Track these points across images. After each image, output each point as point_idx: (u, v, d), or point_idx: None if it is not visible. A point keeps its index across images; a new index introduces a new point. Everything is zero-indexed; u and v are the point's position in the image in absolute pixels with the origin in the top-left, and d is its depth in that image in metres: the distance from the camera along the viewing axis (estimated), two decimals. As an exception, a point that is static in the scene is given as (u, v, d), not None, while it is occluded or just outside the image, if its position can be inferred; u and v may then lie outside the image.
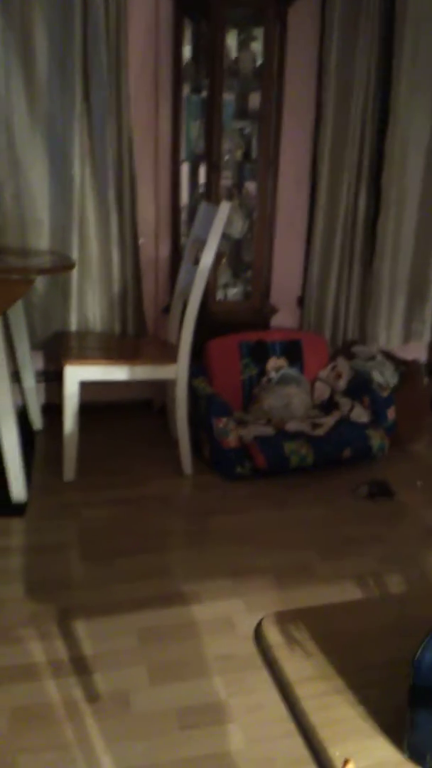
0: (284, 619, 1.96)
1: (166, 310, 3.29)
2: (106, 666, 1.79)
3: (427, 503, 2.73)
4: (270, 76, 3.00)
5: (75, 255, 3.04)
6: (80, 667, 1.78)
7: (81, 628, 1.92)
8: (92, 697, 1.69)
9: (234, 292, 3.34)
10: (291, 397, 3.11)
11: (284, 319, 3.55)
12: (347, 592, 2.13)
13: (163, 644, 1.87)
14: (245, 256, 3.41)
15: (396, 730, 1.58)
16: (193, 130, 3.17)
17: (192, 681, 1.75)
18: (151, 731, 1.59)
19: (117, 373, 2.64)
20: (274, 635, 1.89)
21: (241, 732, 1.60)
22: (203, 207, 2.82)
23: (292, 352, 3.28)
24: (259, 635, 1.91)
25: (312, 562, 2.29)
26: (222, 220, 2.55)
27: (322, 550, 2.36)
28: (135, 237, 3.11)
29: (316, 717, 1.63)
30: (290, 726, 1.63)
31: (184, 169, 3.24)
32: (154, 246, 3.29)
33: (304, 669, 1.78)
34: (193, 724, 1.62)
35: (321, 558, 2.32)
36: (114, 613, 1.98)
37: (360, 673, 1.77)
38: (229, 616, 2.00)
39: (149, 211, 3.23)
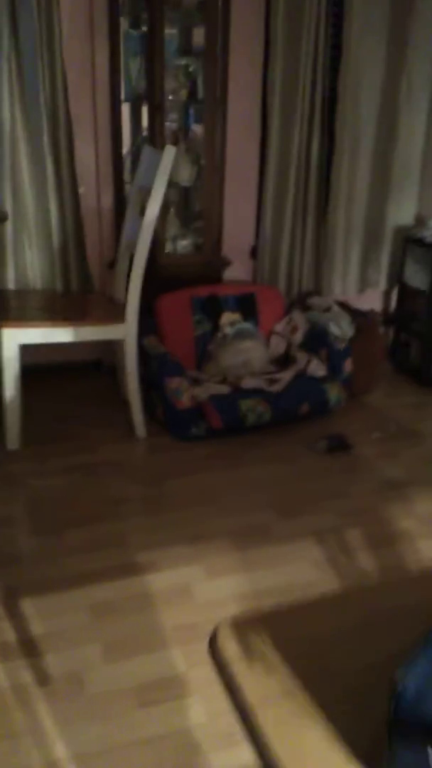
0: (243, 624, 1.74)
1: (112, 264, 3.11)
2: (58, 646, 1.69)
3: (384, 455, 2.69)
4: (214, 9, 2.78)
5: (8, 207, 2.83)
6: (29, 648, 1.68)
7: (29, 606, 1.82)
8: (43, 679, 1.60)
9: (184, 244, 3.17)
10: (248, 352, 3.00)
11: (237, 271, 3.41)
12: (307, 550, 2.08)
13: (118, 618, 1.79)
14: (195, 206, 3.23)
15: (371, 759, 1.38)
16: (133, 68, 2.94)
17: (149, 655, 1.67)
18: (107, 712, 1.52)
19: (60, 335, 2.48)
20: (231, 646, 1.67)
21: (203, 705, 1.54)
22: (147, 152, 2.63)
23: (247, 306, 3.16)
24: (214, 647, 1.68)
25: (271, 522, 2.23)
26: (167, 167, 2.37)
27: (281, 509, 2.30)
28: (74, 185, 2.91)
29: (280, 748, 1.41)
30: (252, 696, 1.57)
31: (125, 110, 3.02)
32: (95, 195, 3.08)
33: (266, 686, 1.56)
34: (151, 700, 1.55)
35: (280, 517, 2.26)
36: (65, 589, 1.88)
37: (329, 686, 1.57)
38: (188, 584, 1.92)
39: (89, 157, 3.01)
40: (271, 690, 1.56)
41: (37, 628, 1.74)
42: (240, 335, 3.08)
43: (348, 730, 1.45)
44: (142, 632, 1.74)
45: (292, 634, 1.73)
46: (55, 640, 1.71)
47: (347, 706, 1.51)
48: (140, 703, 1.54)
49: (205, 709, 1.53)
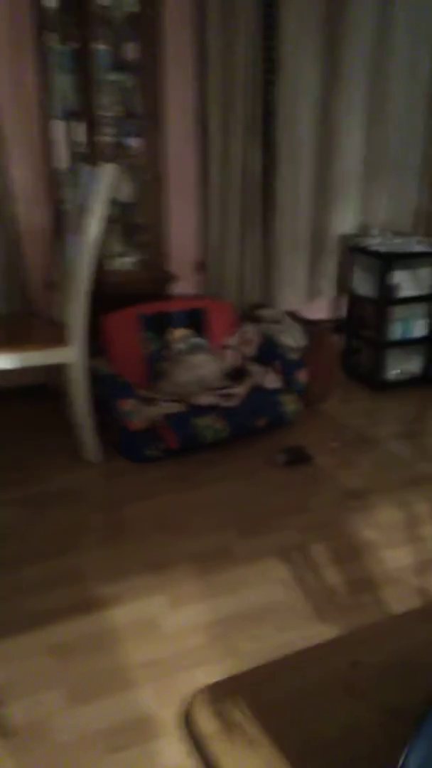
0: (218, 693, 1.61)
1: (51, 284, 3.01)
2: (18, 694, 1.60)
3: (343, 464, 2.68)
4: (146, 24, 2.74)
5: None
6: (-12, 700, 1.58)
7: (-14, 654, 1.72)
8: (5, 732, 1.50)
9: (128, 261, 3.11)
10: (202, 367, 2.95)
11: (185, 286, 3.36)
12: (271, 569, 2.03)
13: (81, 659, 1.70)
14: (138, 221, 3.17)
15: None
16: (64, 84, 2.86)
17: (116, 696, 1.59)
18: (75, 762, 1.43)
19: (2, 361, 2.37)
20: (206, 720, 1.54)
21: (176, 746, 1.47)
22: (84, 171, 2.55)
23: (197, 320, 3.11)
24: (189, 722, 1.55)
25: (233, 543, 2.17)
26: (107, 186, 2.31)
27: (243, 528, 2.25)
28: (10, 204, 2.81)
29: None
30: (227, 731, 1.51)
31: (60, 127, 2.94)
32: (32, 214, 2.98)
33: (247, 763, 1.44)
34: (121, 745, 1.47)
35: (242, 537, 2.21)
36: (22, 632, 1.78)
37: (313, 758, 1.45)
38: (153, 616, 1.85)
39: (23, 175, 2.91)
40: (253, 766, 1.43)
41: (-6, 677, 1.64)
42: (192, 350, 3.04)
43: None
44: (108, 672, 1.66)
45: (271, 699, 1.60)
46: (15, 688, 1.61)
47: None
48: (110, 748, 1.46)
49: (179, 749, 1.46)
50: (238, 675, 1.67)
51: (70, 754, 1.45)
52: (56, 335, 2.52)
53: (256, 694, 1.60)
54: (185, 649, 1.72)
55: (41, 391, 3.23)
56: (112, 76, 2.93)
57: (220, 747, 1.48)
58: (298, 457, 2.68)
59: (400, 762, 1.05)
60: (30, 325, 2.85)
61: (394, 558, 2.10)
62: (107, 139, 2.95)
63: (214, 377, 2.99)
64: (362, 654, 1.72)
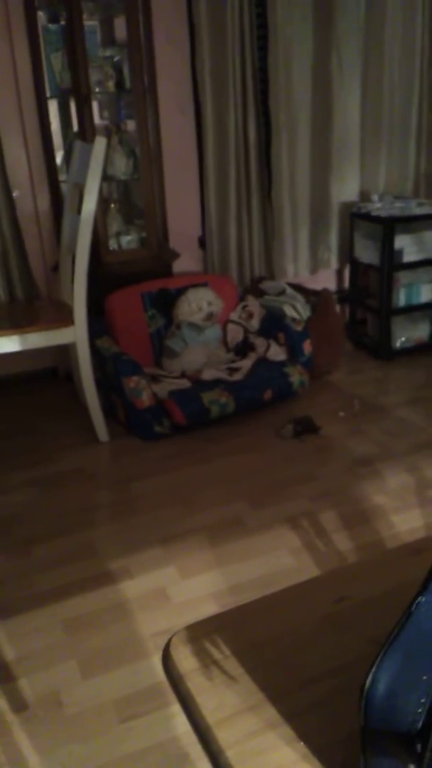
0: (198, 632, 1.60)
1: (56, 267, 3.01)
2: (32, 668, 1.62)
3: (351, 433, 2.66)
4: (133, -5, 2.70)
5: None
6: (3, 674, 1.60)
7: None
8: (20, 705, 1.52)
9: (128, 240, 3.09)
10: (204, 302, 2.89)
11: (187, 263, 3.34)
12: (282, 538, 2.03)
13: (93, 632, 1.72)
14: (136, 200, 3.15)
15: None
16: (55, 62, 2.84)
17: (128, 666, 1.61)
18: (88, 731, 1.45)
19: (6, 344, 2.38)
20: (186, 659, 1.54)
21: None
22: (78, 147, 2.54)
23: (199, 296, 3.09)
24: (167, 660, 1.56)
25: (243, 514, 2.17)
26: (99, 159, 2.29)
27: (253, 500, 2.25)
28: (7, 189, 2.80)
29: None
30: (239, 695, 1.51)
31: (53, 107, 2.92)
32: (31, 197, 2.98)
33: (226, 701, 1.43)
34: (134, 714, 1.48)
35: (252, 507, 2.21)
36: (35, 608, 1.80)
37: (296, 694, 1.44)
38: (163, 588, 1.86)
39: (19, 158, 2.90)
40: (232, 705, 1.42)
41: (9, 652, 1.66)
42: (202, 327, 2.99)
43: (319, 744, 1.31)
44: (120, 643, 1.67)
45: (251, 637, 1.59)
46: (29, 662, 1.63)
47: (317, 717, 1.37)
48: (122, 717, 1.48)
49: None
50: (220, 614, 1.67)
51: (82, 725, 1.46)
52: (60, 316, 2.52)
53: (238, 633, 1.60)
54: (195, 618, 1.73)
55: (52, 375, 3.25)
56: (103, 53, 2.90)
57: (196, 684, 1.48)
58: (306, 428, 2.66)
59: (369, 677, 1.06)
60: (35, 308, 2.86)
61: (405, 521, 2.09)
62: (102, 120, 2.92)
63: (218, 310, 2.96)
64: (349, 590, 1.72)
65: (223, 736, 1.36)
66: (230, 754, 1.32)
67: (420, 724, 1.06)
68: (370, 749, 1.11)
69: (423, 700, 1.06)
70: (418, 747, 1.07)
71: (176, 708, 1.49)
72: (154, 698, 1.52)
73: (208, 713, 1.41)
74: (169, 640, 1.62)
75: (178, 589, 1.85)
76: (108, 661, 1.62)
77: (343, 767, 1.28)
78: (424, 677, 1.06)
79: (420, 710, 1.06)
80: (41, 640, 1.70)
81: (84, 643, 1.68)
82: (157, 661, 1.61)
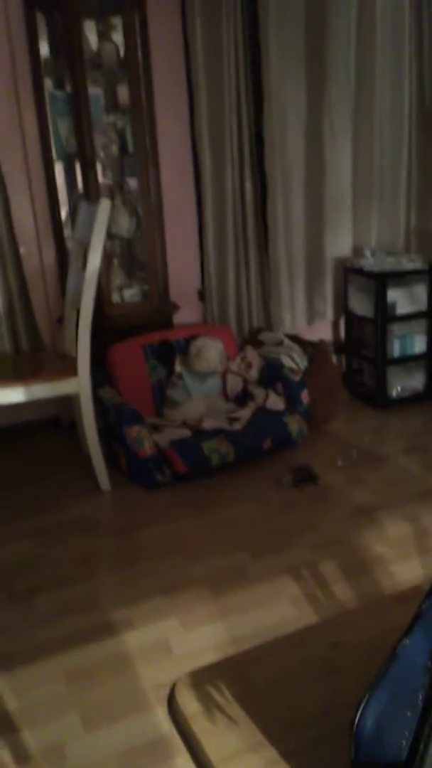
0: (200, 678, 1.67)
1: (61, 320, 3.10)
2: (35, 719, 1.62)
3: (350, 481, 2.70)
4: (135, 66, 2.86)
5: None
6: (5, 725, 1.60)
7: (1, 681, 1.74)
8: (23, 757, 1.52)
9: (131, 293, 3.19)
10: (208, 354, 3.00)
11: (188, 314, 3.43)
12: (283, 588, 2.05)
13: (96, 683, 1.72)
14: (138, 255, 3.26)
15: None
16: (62, 127, 2.98)
17: (131, 718, 1.61)
18: (91, 785, 1.44)
19: (12, 395, 2.44)
20: (189, 703, 1.60)
21: (192, 765, 1.48)
22: (83, 208, 2.65)
23: (198, 347, 3.17)
24: (172, 705, 1.62)
25: (244, 564, 2.19)
26: (103, 219, 2.39)
27: (254, 549, 2.27)
28: (14, 246, 2.90)
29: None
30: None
31: (59, 169, 3.06)
32: (37, 253, 3.09)
33: (229, 741, 1.49)
34: (138, 766, 1.48)
35: (253, 557, 2.23)
36: (37, 659, 1.81)
37: (294, 734, 1.50)
38: (165, 639, 1.87)
39: (26, 217, 3.02)
40: (235, 745, 1.47)
41: (11, 703, 1.66)
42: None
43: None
44: (123, 695, 1.68)
45: (250, 682, 1.65)
46: (32, 713, 1.63)
47: (314, 754, 1.43)
48: (126, 771, 1.47)
49: (194, 768, 1.47)
50: (221, 661, 1.72)
51: (87, 778, 1.46)
52: (63, 367, 2.59)
53: (239, 678, 1.65)
54: (197, 670, 1.73)
55: (54, 424, 3.30)
56: (107, 118, 3.05)
57: (200, 727, 1.53)
58: (305, 477, 2.70)
59: (358, 713, 1.15)
60: (39, 359, 2.93)
61: (405, 571, 2.11)
62: (105, 178, 3.05)
63: (219, 360, 3.04)
64: (343, 635, 1.78)
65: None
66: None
67: (405, 756, 1.12)
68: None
69: (407, 734, 1.13)
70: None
71: (180, 761, 1.49)
72: (159, 751, 1.51)
73: (212, 753, 1.46)
74: (174, 685, 1.65)
75: (180, 641, 1.86)
76: (111, 714, 1.62)
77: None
78: (408, 713, 1.12)
79: (404, 743, 1.11)
80: (43, 691, 1.70)
81: (86, 694, 1.68)
82: (159, 713, 1.61)
